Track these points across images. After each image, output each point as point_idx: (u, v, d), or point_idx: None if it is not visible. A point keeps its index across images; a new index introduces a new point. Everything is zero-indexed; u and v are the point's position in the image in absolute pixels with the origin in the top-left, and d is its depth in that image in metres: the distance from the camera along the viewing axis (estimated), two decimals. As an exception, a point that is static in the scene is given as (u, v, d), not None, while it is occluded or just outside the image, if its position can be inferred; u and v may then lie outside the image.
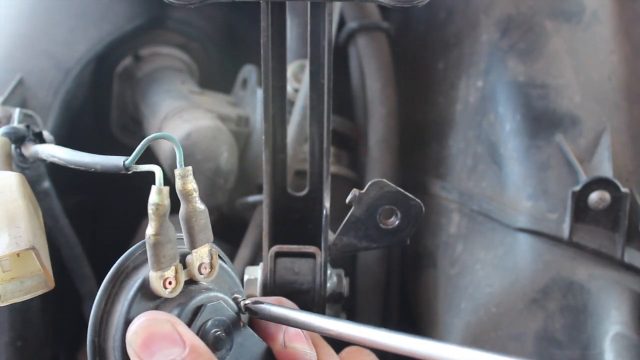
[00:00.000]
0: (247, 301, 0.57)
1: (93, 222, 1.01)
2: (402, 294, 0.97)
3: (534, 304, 0.77)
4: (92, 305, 0.54)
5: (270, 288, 0.64)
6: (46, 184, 0.77)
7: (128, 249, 1.02)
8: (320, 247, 0.63)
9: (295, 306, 0.61)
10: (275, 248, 0.64)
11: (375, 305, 0.93)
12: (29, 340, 0.84)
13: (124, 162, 0.54)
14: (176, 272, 0.54)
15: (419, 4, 0.55)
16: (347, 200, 0.62)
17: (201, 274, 0.55)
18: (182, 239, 0.56)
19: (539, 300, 0.76)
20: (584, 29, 0.88)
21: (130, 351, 0.52)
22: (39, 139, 0.69)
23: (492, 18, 0.92)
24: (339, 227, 0.63)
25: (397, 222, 0.63)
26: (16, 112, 0.74)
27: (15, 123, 0.73)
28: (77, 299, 0.89)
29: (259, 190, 0.91)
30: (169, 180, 0.89)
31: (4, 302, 0.59)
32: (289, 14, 0.72)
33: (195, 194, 0.54)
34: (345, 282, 0.69)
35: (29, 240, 0.58)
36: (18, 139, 0.68)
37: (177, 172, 0.53)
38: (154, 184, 0.52)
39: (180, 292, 0.54)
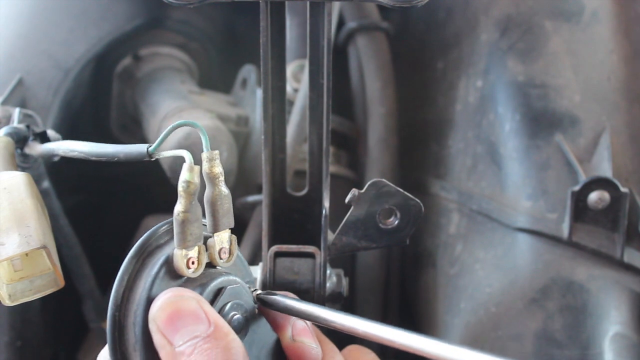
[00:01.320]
0: (259, 291, 0.58)
1: (93, 222, 1.01)
2: (402, 293, 0.97)
3: (533, 303, 0.77)
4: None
5: (270, 288, 0.64)
6: (46, 183, 0.77)
7: (128, 248, 1.02)
8: (319, 247, 0.63)
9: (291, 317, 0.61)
10: (275, 248, 0.64)
11: (374, 305, 0.93)
12: (28, 340, 0.84)
13: (147, 148, 0.55)
14: (199, 253, 0.54)
15: (419, 4, 0.55)
16: (347, 200, 0.63)
17: (221, 258, 0.56)
18: (204, 224, 0.56)
19: (538, 300, 0.76)
20: (583, 29, 0.88)
21: (152, 327, 0.51)
22: (42, 138, 0.69)
23: (491, 18, 0.92)
24: (339, 227, 0.63)
25: (396, 222, 0.63)
26: (16, 112, 0.74)
27: (15, 123, 0.73)
28: (76, 299, 0.89)
29: (259, 190, 0.91)
30: (168, 180, 0.89)
31: (14, 302, 0.60)
32: (289, 13, 0.72)
33: (222, 178, 0.55)
34: (344, 282, 0.69)
35: (40, 239, 0.58)
36: (19, 139, 0.68)
37: (204, 155, 0.54)
38: (185, 164, 0.52)
39: (201, 274, 0.55)
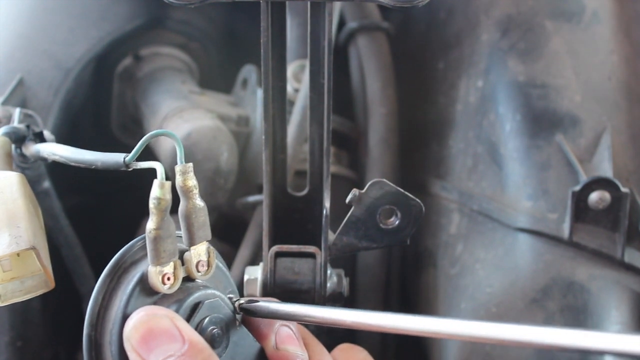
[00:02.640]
0: (242, 300, 0.57)
1: (93, 222, 1.01)
2: (402, 293, 0.97)
3: (534, 304, 0.77)
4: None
5: (271, 288, 0.64)
6: (46, 184, 0.77)
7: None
8: (320, 247, 0.63)
9: (274, 325, 0.60)
10: (276, 248, 0.64)
11: (375, 305, 0.93)
12: (29, 341, 0.84)
13: (124, 158, 0.54)
14: (175, 268, 0.54)
15: (419, 4, 0.55)
16: (347, 200, 0.62)
17: (198, 271, 0.56)
18: (181, 236, 0.56)
19: (539, 300, 0.76)
20: (584, 28, 0.88)
21: (127, 346, 0.51)
22: (40, 138, 0.69)
23: (492, 18, 0.92)
24: (339, 227, 0.63)
25: (397, 222, 0.63)
26: (16, 112, 0.74)
27: (15, 123, 0.73)
28: (77, 299, 0.89)
29: (259, 190, 0.91)
30: (169, 178, 0.89)
31: (4, 302, 0.60)
32: (289, 14, 0.72)
33: (196, 191, 0.54)
34: (345, 282, 0.69)
35: (29, 240, 0.58)
36: (18, 138, 0.68)
37: (177, 168, 0.54)
38: (156, 179, 0.52)
39: (178, 289, 0.54)
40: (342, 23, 1.01)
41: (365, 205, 0.62)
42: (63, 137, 0.71)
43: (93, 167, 0.58)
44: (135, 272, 0.54)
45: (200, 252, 0.56)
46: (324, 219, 0.63)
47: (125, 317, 0.52)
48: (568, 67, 0.86)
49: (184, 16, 1.05)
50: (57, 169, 0.80)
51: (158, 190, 0.52)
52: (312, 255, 0.64)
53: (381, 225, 0.63)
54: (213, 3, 0.56)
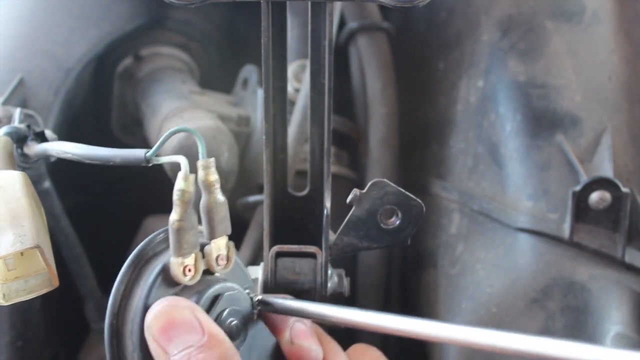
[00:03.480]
0: (260, 296, 0.58)
1: (94, 222, 1.01)
2: (403, 293, 0.97)
3: (534, 304, 0.77)
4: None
5: (271, 288, 0.64)
6: (47, 184, 0.77)
7: (129, 249, 1.02)
8: (321, 247, 0.63)
9: (290, 321, 0.61)
10: (276, 248, 0.64)
11: (376, 305, 0.93)
12: (29, 340, 0.84)
13: (145, 154, 0.55)
14: (195, 260, 0.54)
15: (420, 4, 0.55)
16: (348, 200, 0.62)
17: (218, 265, 0.56)
18: (202, 231, 0.56)
19: (539, 300, 0.76)
20: (584, 29, 0.88)
21: (148, 335, 0.52)
22: (41, 138, 0.69)
23: (492, 18, 0.92)
24: (340, 227, 0.63)
25: (397, 222, 0.63)
26: (17, 112, 0.74)
27: (16, 123, 0.73)
28: (77, 299, 0.89)
29: (260, 190, 0.91)
30: (169, 180, 0.89)
31: (9, 301, 0.60)
32: (290, 14, 0.72)
33: (217, 185, 0.55)
34: (346, 282, 0.69)
35: (34, 238, 0.58)
36: (19, 138, 0.68)
37: (199, 163, 0.54)
38: (180, 172, 0.53)
39: (199, 281, 0.55)
40: (342, 23, 1.01)
41: (366, 206, 0.62)
42: (63, 137, 0.71)
43: (111, 163, 0.58)
44: (157, 264, 0.54)
45: (220, 246, 0.56)
46: (324, 219, 0.63)
47: (146, 307, 0.52)
48: (568, 67, 0.86)
49: (185, 16, 1.05)
50: (57, 169, 0.80)
51: (182, 183, 0.53)
52: (312, 255, 0.64)
53: (382, 225, 0.63)
54: (213, 3, 0.56)
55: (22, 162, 0.70)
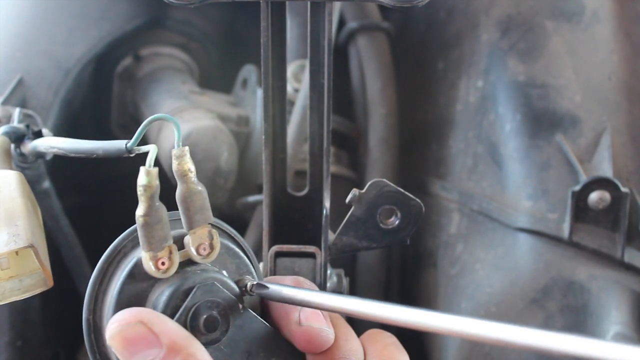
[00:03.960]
0: (254, 282, 0.56)
1: (93, 222, 1.01)
2: (402, 293, 0.97)
3: (534, 303, 0.77)
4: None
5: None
6: (46, 183, 0.77)
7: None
8: (320, 247, 0.63)
9: (315, 286, 0.60)
10: (275, 248, 0.64)
11: (375, 305, 0.93)
12: (29, 340, 0.84)
13: (126, 144, 0.54)
14: (170, 252, 0.53)
15: (419, 4, 0.55)
16: (347, 200, 0.62)
17: (200, 255, 0.55)
18: (179, 219, 0.55)
19: (539, 300, 0.76)
20: (584, 28, 0.88)
21: (114, 351, 0.52)
22: (38, 137, 0.69)
23: (492, 18, 0.92)
24: (339, 227, 0.63)
25: (397, 222, 0.63)
26: (16, 112, 0.74)
27: (15, 123, 0.73)
28: (77, 299, 0.89)
29: (259, 190, 0.91)
30: (168, 179, 0.89)
31: (3, 301, 0.59)
32: (289, 13, 0.72)
33: (191, 175, 0.54)
34: (345, 282, 0.68)
35: (28, 238, 0.58)
36: (18, 138, 0.68)
37: (173, 152, 0.53)
38: (142, 167, 0.52)
39: (176, 273, 0.54)
40: (342, 23, 1.01)
41: (365, 205, 0.62)
42: (63, 137, 0.71)
43: (94, 156, 0.58)
44: (132, 257, 0.54)
45: (201, 235, 0.55)
46: (324, 219, 0.63)
47: (119, 303, 0.52)
48: (568, 67, 0.86)
49: (184, 16, 1.05)
50: (57, 168, 0.80)
51: (144, 178, 0.52)
52: (312, 255, 0.64)
53: (381, 225, 0.63)
54: (213, 3, 0.56)
55: (21, 162, 0.70)
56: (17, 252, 0.58)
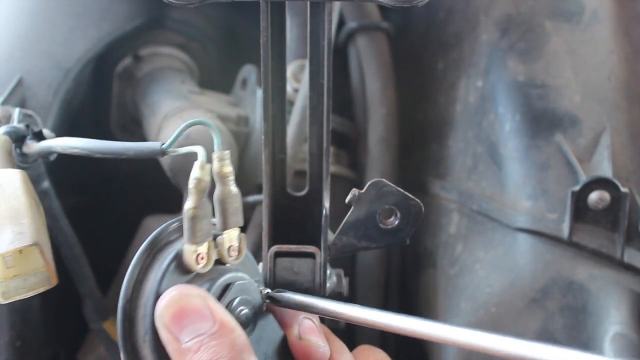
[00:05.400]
0: (268, 290, 0.59)
1: (93, 222, 1.01)
2: (402, 293, 0.97)
3: (533, 303, 0.77)
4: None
5: (270, 288, 0.64)
6: (46, 183, 0.77)
7: (128, 249, 1.02)
8: (319, 247, 0.63)
9: (299, 316, 0.61)
10: (275, 248, 0.64)
11: (374, 304, 0.93)
12: (28, 340, 0.84)
13: (161, 145, 0.56)
14: (208, 249, 0.55)
15: (419, 4, 0.55)
16: (347, 200, 0.62)
17: (230, 256, 0.57)
18: (215, 223, 0.57)
19: (538, 300, 0.76)
20: (583, 29, 0.88)
21: (159, 323, 0.52)
22: (39, 137, 0.69)
23: (491, 18, 0.92)
24: (339, 227, 0.63)
25: (396, 222, 0.63)
26: (16, 112, 0.74)
27: (15, 123, 0.73)
28: (77, 299, 0.89)
29: (259, 190, 0.91)
30: (168, 180, 0.89)
31: (7, 299, 0.60)
32: (289, 14, 0.72)
33: (231, 177, 0.56)
34: (344, 281, 0.69)
35: (32, 236, 0.58)
36: (18, 138, 0.68)
37: (215, 155, 0.56)
38: (196, 161, 0.54)
39: (211, 269, 0.55)
40: (341, 23, 1.01)
41: (365, 205, 0.62)
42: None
43: (123, 157, 0.58)
44: (170, 250, 0.55)
45: (232, 237, 0.57)
46: (323, 219, 0.63)
47: (159, 293, 0.53)
48: (568, 67, 0.86)
49: (184, 16, 1.05)
50: (56, 169, 0.80)
51: (198, 171, 0.54)
52: (311, 255, 0.64)
53: (381, 225, 0.63)
54: (212, 3, 0.56)
55: (21, 162, 0.70)
56: (20, 251, 0.58)
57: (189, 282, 0.55)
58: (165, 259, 0.54)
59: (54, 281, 0.60)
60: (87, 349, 0.97)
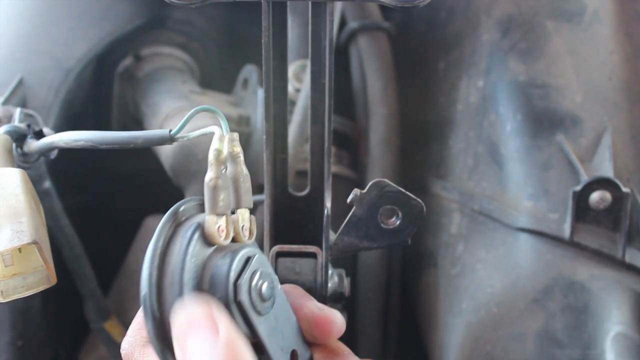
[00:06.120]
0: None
1: (94, 222, 1.01)
2: (403, 293, 0.97)
3: (535, 303, 0.77)
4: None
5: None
6: (47, 183, 0.77)
7: (129, 248, 1.01)
8: (321, 247, 0.63)
9: (309, 295, 0.61)
10: (277, 248, 0.64)
11: (376, 305, 0.93)
12: (29, 340, 0.84)
13: (170, 131, 0.58)
14: (227, 222, 0.55)
15: (420, 4, 0.55)
16: (349, 200, 0.62)
17: (244, 235, 0.57)
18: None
19: (540, 300, 0.76)
20: (584, 28, 0.88)
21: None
22: (40, 137, 0.69)
23: (492, 18, 0.92)
24: (340, 227, 0.63)
25: (398, 222, 0.63)
26: (17, 112, 0.74)
27: (16, 122, 0.73)
28: (77, 299, 0.89)
29: (260, 190, 0.91)
30: (169, 180, 0.89)
31: (6, 298, 0.60)
32: (290, 13, 0.72)
33: (242, 157, 0.57)
34: (346, 282, 0.69)
35: (31, 234, 0.58)
36: (19, 137, 0.68)
37: (227, 136, 0.56)
38: (215, 134, 0.55)
39: (228, 245, 0.55)
40: (343, 23, 1.01)
41: (366, 205, 0.62)
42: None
43: (131, 146, 0.59)
44: (191, 223, 0.54)
45: (244, 217, 0.57)
46: (325, 219, 0.63)
47: (184, 262, 0.52)
48: (569, 67, 0.86)
49: (185, 16, 1.05)
50: (57, 168, 0.80)
51: (218, 143, 0.54)
52: (313, 255, 0.64)
53: (382, 225, 0.63)
54: (214, 3, 0.56)
55: (22, 161, 0.70)
56: (20, 249, 0.58)
57: (211, 254, 0.54)
58: (189, 229, 0.53)
59: (53, 280, 0.60)
60: (88, 349, 0.98)
